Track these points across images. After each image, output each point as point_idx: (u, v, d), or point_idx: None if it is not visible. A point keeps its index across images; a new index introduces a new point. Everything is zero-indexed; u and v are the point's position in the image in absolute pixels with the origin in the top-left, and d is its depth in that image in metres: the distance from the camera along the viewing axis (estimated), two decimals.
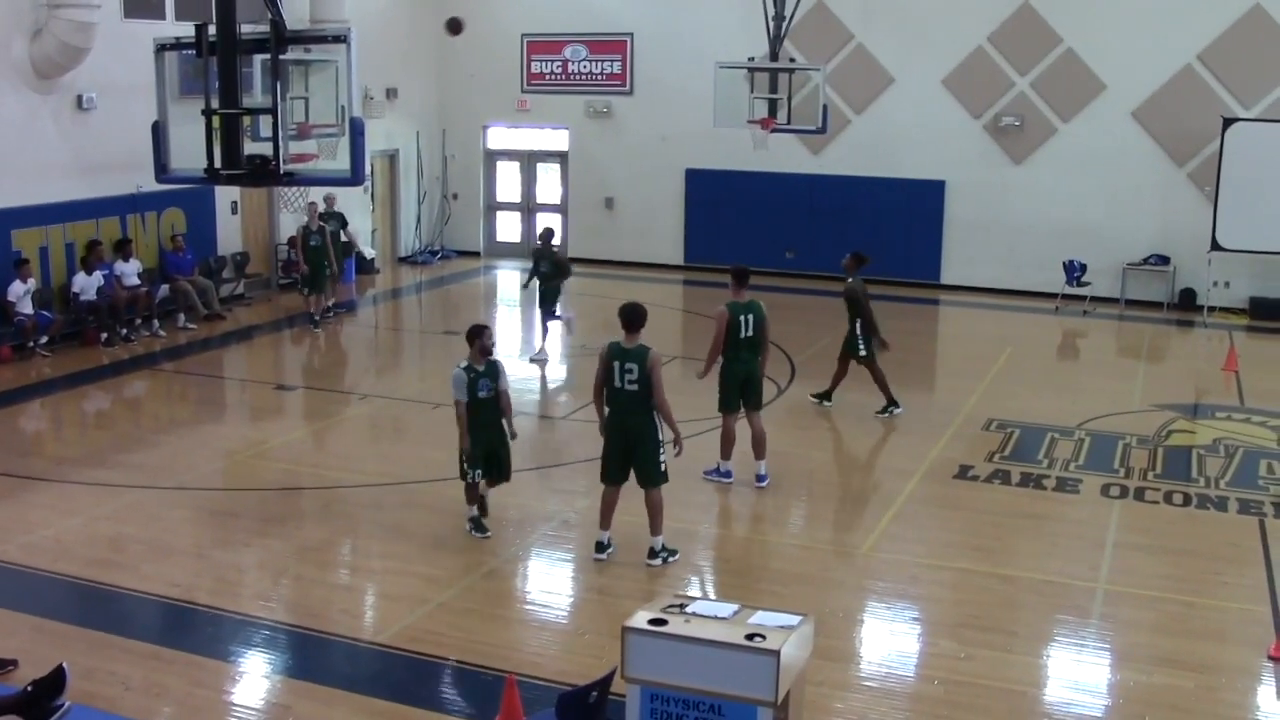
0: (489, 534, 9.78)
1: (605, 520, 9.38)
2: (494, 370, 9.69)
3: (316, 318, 17.69)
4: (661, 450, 9.25)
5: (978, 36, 20.61)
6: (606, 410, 9.21)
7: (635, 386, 8.99)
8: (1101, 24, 19.86)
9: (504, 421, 9.84)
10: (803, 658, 6.01)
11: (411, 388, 15.11)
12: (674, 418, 9.21)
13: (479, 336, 9.63)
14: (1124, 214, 20.03)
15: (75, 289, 16.20)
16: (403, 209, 23.77)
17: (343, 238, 19.58)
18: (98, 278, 16.36)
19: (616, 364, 9.03)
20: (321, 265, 17.55)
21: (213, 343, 17.03)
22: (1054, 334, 18.57)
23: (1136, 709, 7.33)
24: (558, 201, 24.24)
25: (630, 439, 9.14)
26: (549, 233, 16.49)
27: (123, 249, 16.94)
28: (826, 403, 13.80)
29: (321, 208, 18.55)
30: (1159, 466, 11.91)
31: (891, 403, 13.44)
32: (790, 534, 10.33)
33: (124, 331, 16.63)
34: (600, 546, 9.37)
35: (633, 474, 9.32)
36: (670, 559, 9.32)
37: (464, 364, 9.64)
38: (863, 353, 13.32)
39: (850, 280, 13.49)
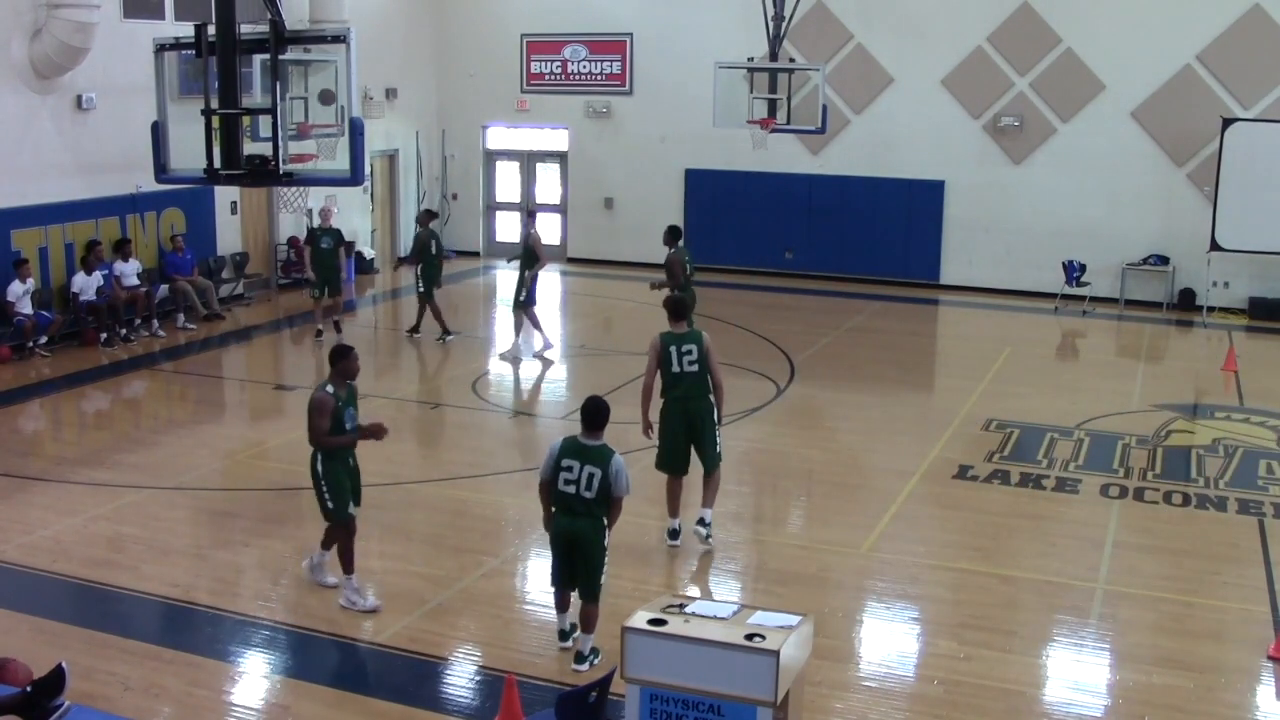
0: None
1: (674, 508, 9.61)
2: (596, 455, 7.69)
3: (321, 327, 17.08)
4: (719, 431, 9.52)
5: (977, 36, 20.61)
6: (664, 400, 9.42)
7: (696, 367, 9.29)
8: (1101, 24, 19.86)
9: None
10: (802, 658, 6.00)
11: (411, 388, 15.11)
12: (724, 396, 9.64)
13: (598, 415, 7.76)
14: (1123, 214, 20.03)
15: (75, 289, 16.20)
16: (402, 209, 23.76)
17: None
18: (97, 278, 16.36)
19: (674, 349, 9.29)
20: (333, 268, 17.13)
21: (212, 343, 17.03)
22: (1053, 334, 18.57)
23: (1136, 709, 7.33)
24: (557, 201, 24.23)
25: (693, 421, 9.38)
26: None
27: (122, 249, 16.94)
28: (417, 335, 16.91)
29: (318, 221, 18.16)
30: (1158, 466, 11.91)
31: (446, 331, 16.83)
32: (790, 534, 10.33)
33: (123, 332, 16.63)
34: (673, 534, 9.59)
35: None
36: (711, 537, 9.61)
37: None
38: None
39: (420, 230, 17.03)
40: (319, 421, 8.23)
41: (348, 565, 8.48)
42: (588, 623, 7.79)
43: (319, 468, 8.35)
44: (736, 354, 15.89)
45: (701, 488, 9.67)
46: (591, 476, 7.51)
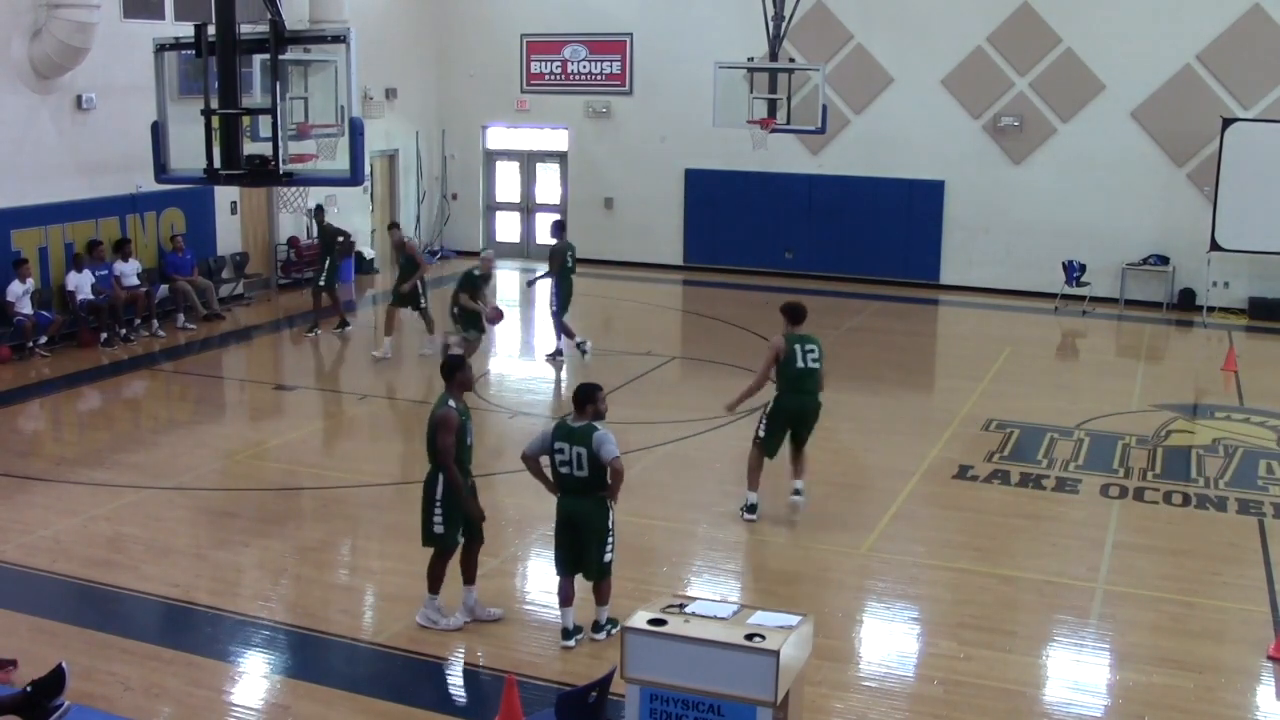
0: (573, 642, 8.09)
1: (754, 481, 10.34)
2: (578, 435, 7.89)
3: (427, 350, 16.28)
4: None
5: (977, 36, 20.61)
6: (780, 393, 10.15)
7: (818, 365, 10.19)
8: (1101, 24, 19.86)
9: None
10: (802, 658, 6.00)
11: (411, 388, 15.10)
12: None
13: (591, 400, 7.98)
14: (1123, 214, 20.04)
15: (70, 287, 16.19)
16: (402, 209, 23.76)
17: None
18: (89, 275, 16.31)
19: (798, 347, 10.12)
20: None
21: (212, 343, 17.03)
22: (1053, 334, 18.57)
23: (1136, 709, 7.33)
24: (557, 201, 24.24)
25: (805, 415, 10.26)
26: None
27: (122, 249, 16.94)
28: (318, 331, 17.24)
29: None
30: (1158, 466, 11.91)
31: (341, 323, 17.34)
32: (790, 534, 10.33)
33: (123, 332, 16.63)
34: (751, 508, 10.29)
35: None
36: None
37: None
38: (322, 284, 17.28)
39: (323, 225, 17.67)
40: (447, 439, 7.88)
41: (434, 584, 8.22)
42: (601, 595, 8.08)
43: (437, 489, 8.05)
44: (737, 354, 15.89)
45: (792, 464, 10.46)
46: (579, 455, 7.81)
